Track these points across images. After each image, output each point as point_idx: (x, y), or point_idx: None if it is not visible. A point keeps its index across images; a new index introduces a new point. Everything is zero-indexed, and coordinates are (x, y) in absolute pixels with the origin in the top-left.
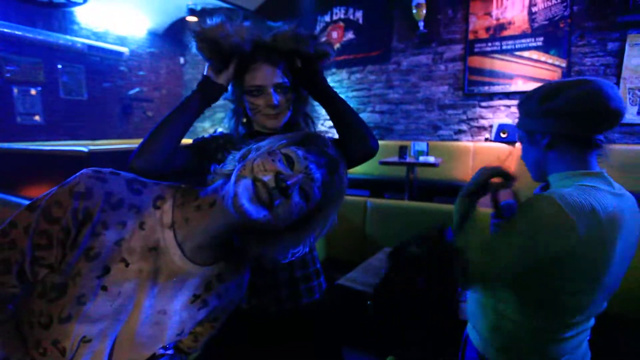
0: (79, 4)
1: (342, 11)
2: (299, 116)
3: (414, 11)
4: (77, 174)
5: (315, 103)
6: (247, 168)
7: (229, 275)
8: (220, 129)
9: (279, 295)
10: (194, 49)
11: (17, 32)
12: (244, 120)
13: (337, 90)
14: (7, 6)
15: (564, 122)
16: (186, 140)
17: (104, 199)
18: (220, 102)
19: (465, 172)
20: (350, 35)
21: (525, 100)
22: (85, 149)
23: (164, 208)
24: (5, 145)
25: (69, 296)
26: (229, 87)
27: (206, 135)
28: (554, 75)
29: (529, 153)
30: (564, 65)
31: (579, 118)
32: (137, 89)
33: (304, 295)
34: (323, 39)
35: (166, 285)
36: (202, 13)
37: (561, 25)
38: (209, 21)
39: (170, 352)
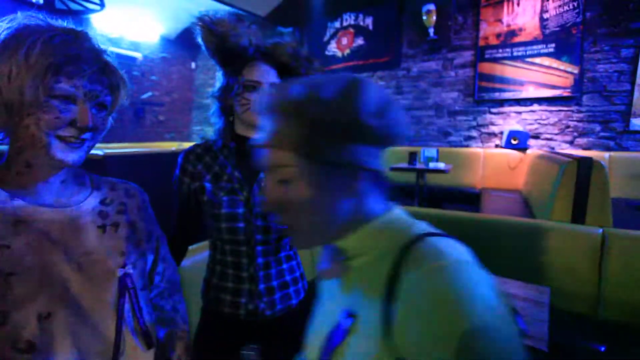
0: (96, 10)
1: (352, 17)
2: None
3: (424, 17)
4: None
5: None
6: None
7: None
8: None
9: (274, 299)
10: (198, 38)
11: None
12: (231, 119)
13: None
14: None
15: None
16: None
17: None
18: None
19: (476, 178)
20: (360, 41)
21: None
22: (100, 153)
23: None
24: None
25: None
26: (219, 84)
27: (176, 169)
28: (565, 81)
29: None
30: (576, 71)
31: None
32: (149, 93)
33: (293, 297)
34: (317, 66)
35: (62, 235)
36: None
37: (573, 31)
38: (220, 15)
39: (130, 270)
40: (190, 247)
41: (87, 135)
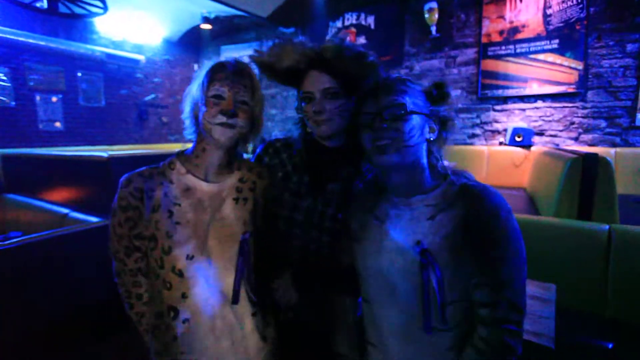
0: (100, 14)
1: (354, 17)
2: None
3: (426, 15)
4: (121, 181)
5: None
6: None
7: (243, 182)
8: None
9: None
10: (256, 71)
11: (41, 43)
12: (309, 129)
13: None
14: (34, 19)
15: None
16: None
17: (142, 179)
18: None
19: (480, 176)
20: (362, 40)
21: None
22: (105, 154)
23: (177, 165)
24: (29, 150)
25: (160, 237)
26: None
27: (251, 158)
28: (570, 77)
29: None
30: (580, 67)
31: None
32: (152, 95)
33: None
34: (371, 58)
35: (210, 203)
36: (216, 21)
37: (577, 27)
38: (264, 47)
39: (248, 236)
40: None
41: (232, 121)
